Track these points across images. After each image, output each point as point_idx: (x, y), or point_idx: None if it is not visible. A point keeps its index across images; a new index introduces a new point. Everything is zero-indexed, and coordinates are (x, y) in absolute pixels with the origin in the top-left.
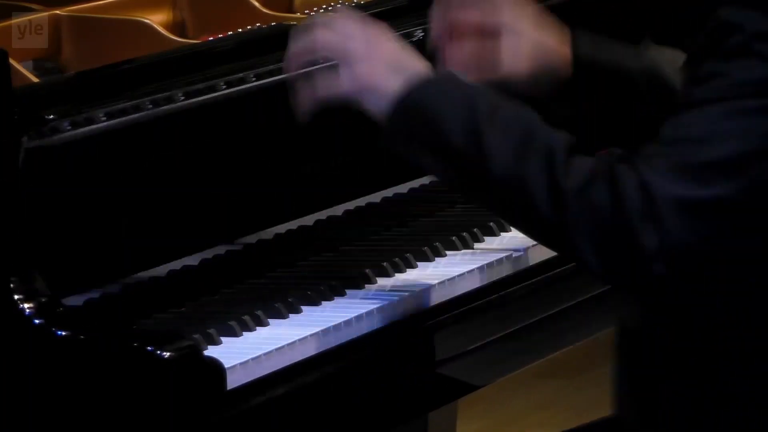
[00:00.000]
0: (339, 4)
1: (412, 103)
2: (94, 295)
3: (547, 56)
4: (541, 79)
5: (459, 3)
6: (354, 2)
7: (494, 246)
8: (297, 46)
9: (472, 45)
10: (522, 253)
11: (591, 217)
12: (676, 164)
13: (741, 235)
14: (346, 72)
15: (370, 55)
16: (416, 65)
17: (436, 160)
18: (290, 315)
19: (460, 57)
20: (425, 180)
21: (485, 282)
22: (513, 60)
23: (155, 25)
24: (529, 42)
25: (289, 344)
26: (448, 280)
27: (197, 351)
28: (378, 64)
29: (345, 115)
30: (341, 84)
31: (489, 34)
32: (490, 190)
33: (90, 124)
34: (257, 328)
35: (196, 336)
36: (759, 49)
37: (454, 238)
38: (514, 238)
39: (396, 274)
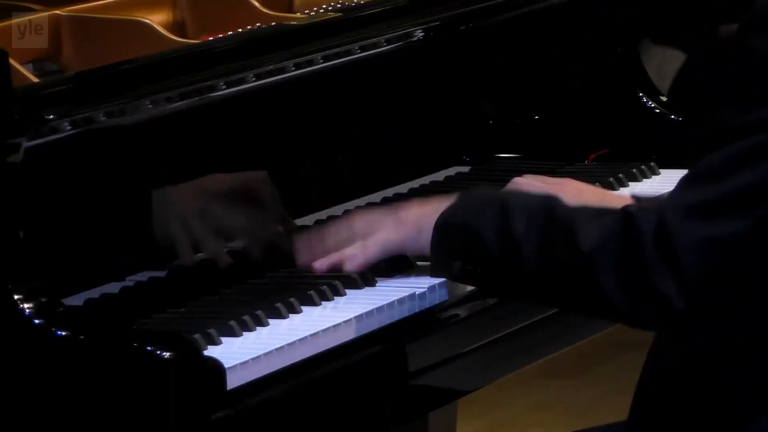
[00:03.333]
0: (339, 4)
1: (447, 226)
2: (94, 295)
3: None
4: None
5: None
6: (354, 2)
7: None
8: (333, 241)
9: None
10: None
11: (611, 258)
12: (692, 202)
13: (760, 271)
14: (389, 226)
15: (401, 208)
16: (444, 200)
17: (483, 271)
18: (290, 315)
19: None
20: (425, 180)
21: None
22: None
23: (155, 25)
24: None
25: (289, 344)
26: (449, 280)
27: (197, 351)
28: (412, 209)
29: (345, 115)
30: (389, 237)
31: None
32: (531, 284)
33: (90, 124)
34: (257, 328)
35: (196, 336)
36: None
37: None
38: None
39: (396, 275)
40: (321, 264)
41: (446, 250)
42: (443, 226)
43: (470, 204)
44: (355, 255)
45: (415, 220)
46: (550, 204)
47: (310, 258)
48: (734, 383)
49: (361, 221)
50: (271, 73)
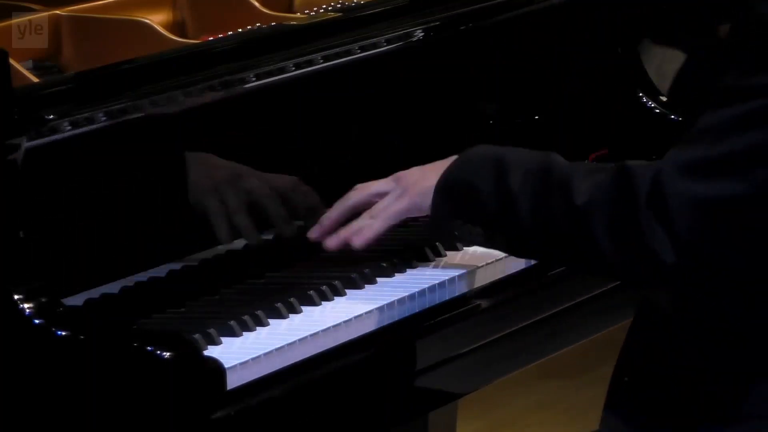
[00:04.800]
0: (339, 4)
1: (446, 185)
2: (94, 295)
3: None
4: None
5: None
6: (354, 2)
7: None
8: (337, 212)
9: None
10: None
11: (604, 213)
12: (688, 161)
13: (753, 233)
14: (393, 196)
15: (402, 177)
16: (443, 163)
17: (481, 227)
18: (290, 315)
19: None
20: None
21: (486, 282)
22: None
23: (155, 25)
24: None
25: (289, 344)
26: (449, 280)
27: (197, 351)
28: (413, 175)
29: (345, 115)
30: (394, 207)
31: None
32: (527, 239)
33: (90, 124)
34: (257, 328)
35: (196, 336)
36: None
37: None
38: None
39: (396, 275)
40: (331, 241)
41: (446, 210)
42: (443, 186)
43: (468, 162)
44: (362, 228)
45: (417, 185)
46: (547, 160)
47: (320, 233)
48: (712, 362)
49: (362, 193)
50: (271, 73)
